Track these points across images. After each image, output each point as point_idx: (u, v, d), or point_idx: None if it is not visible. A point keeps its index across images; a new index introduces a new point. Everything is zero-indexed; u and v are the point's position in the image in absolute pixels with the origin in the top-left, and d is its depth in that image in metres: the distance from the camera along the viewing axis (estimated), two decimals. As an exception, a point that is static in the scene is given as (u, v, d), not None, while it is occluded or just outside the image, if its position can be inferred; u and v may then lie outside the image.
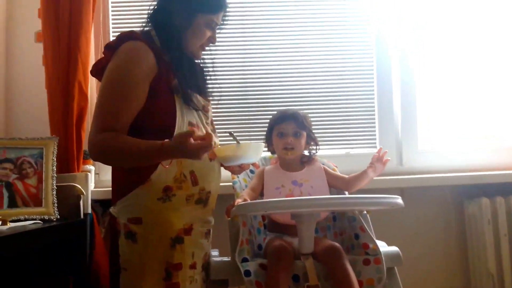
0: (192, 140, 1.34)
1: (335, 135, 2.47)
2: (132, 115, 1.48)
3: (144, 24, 1.65)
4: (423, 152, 2.49)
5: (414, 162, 2.47)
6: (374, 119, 2.48)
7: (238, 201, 1.66)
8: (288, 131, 1.93)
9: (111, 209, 1.56)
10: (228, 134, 1.65)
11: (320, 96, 2.47)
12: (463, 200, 2.41)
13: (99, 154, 1.49)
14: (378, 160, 1.88)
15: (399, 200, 1.58)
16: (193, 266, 1.57)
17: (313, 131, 2.00)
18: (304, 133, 1.95)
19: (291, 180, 1.92)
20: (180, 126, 1.53)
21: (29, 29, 2.35)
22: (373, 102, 2.49)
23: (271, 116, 2.05)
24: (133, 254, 1.51)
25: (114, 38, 1.58)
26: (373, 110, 2.49)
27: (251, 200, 1.81)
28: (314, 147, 2.01)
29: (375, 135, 2.48)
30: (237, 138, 1.59)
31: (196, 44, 1.63)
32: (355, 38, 2.49)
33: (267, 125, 2.05)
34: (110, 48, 1.54)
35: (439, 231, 2.43)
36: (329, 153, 2.39)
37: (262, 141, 1.99)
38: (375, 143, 2.48)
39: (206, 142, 1.37)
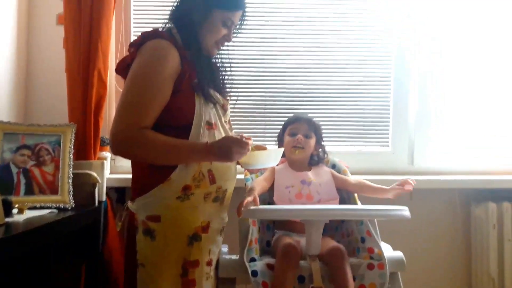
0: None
1: (349, 132, 2.49)
2: (158, 113, 1.51)
3: (165, 22, 1.67)
4: (435, 153, 2.51)
5: (425, 163, 2.49)
6: (388, 118, 2.49)
7: (248, 200, 1.69)
8: (299, 131, 2.00)
9: (129, 205, 1.60)
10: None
11: (336, 93, 2.48)
12: (470, 203, 2.44)
13: (133, 150, 1.50)
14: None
15: (406, 212, 1.62)
16: (209, 263, 1.62)
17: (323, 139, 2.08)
18: (315, 137, 2.01)
19: (300, 179, 1.97)
20: (198, 124, 1.56)
21: (51, 11, 2.35)
22: (388, 101, 2.49)
23: (287, 115, 2.11)
24: (151, 250, 1.55)
25: (138, 36, 1.59)
26: (388, 109, 2.49)
27: (262, 188, 1.90)
28: (322, 154, 2.07)
29: (388, 134, 2.50)
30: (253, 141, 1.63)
31: (211, 40, 1.65)
32: (373, 37, 2.48)
33: (282, 123, 2.10)
34: (135, 46, 1.56)
35: (445, 232, 2.46)
36: (342, 150, 2.42)
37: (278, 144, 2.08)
38: (388, 142, 2.50)
39: (246, 149, 1.50)
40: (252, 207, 1.65)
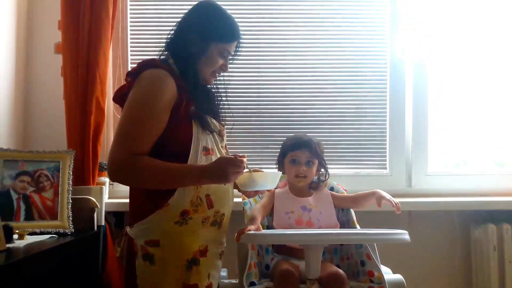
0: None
1: (346, 155, 2.50)
2: (154, 140, 1.53)
3: (161, 52, 1.69)
4: (433, 175, 2.51)
5: (423, 185, 2.49)
6: (385, 140, 2.51)
7: (251, 227, 1.70)
8: (301, 159, 1.98)
9: (128, 230, 1.61)
10: None
11: (333, 116, 2.50)
12: (469, 225, 2.43)
13: (129, 176, 1.52)
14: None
15: (405, 235, 1.62)
16: (209, 287, 1.62)
17: (324, 158, 2.05)
18: (316, 161, 2.00)
19: (300, 205, 1.96)
20: (196, 150, 1.58)
21: (49, 39, 2.40)
22: (385, 124, 2.51)
23: (284, 139, 2.11)
24: (151, 275, 1.56)
25: (135, 65, 1.62)
26: (385, 132, 2.51)
27: (262, 217, 1.89)
28: (324, 174, 2.05)
29: (385, 156, 2.51)
30: (251, 165, 1.64)
31: (208, 71, 1.68)
32: (369, 59, 2.52)
33: (280, 145, 2.10)
34: (132, 75, 1.59)
35: (445, 255, 2.45)
36: (339, 173, 2.42)
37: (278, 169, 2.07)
38: (385, 164, 2.51)
39: (241, 168, 1.50)
40: (251, 232, 1.65)
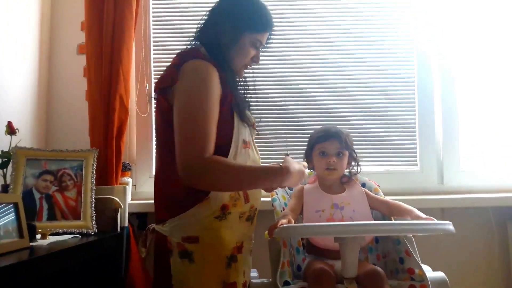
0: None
1: (376, 152, 2.42)
2: (216, 135, 1.45)
3: (192, 41, 1.64)
4: (465, 171, 2.41)
5: (455, 182, 2.39)
6: (415, 136, 2.42)
7: (283, 221, 1.61)
8: (331, 151, 1.88)
9: (158, 228, 1.53)
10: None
11: (361, 112, 2.43)
12: (506, 221, 2.32)
13: (209, 180, 1.40)
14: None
15: (450, 226, 1.52)
16: (244, 285, 1.55)
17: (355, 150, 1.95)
18: (347, 153, 1.90)
19: (332, 203, 1.86)
20: (236, 143, 1.52)
21: (72, 41, 2.40)
22: (414, 119, 2.43)
23: (311, 132, 2.01)
24: (189, 274, 1.47)
25: (175, 56, 1.55)
26: (414, 127, 2.43)
27: (292, 218, 1.76)
28: (355, 167, 1.96)
29: (416, 152, 2.42)
30: (276, 159, 1.58)
31: (240, 63, 1.62)
32: (396, 54, 2.45)
33: (307, 140, 2.01)
34: (175, 67, 1.51)
35: (481, 253, 2.35)
36: (369, 170, 2.34)
37: (303, 160, 1.97)
38: (416, 160, 2.42)
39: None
40: (285, 225, 1.56)
